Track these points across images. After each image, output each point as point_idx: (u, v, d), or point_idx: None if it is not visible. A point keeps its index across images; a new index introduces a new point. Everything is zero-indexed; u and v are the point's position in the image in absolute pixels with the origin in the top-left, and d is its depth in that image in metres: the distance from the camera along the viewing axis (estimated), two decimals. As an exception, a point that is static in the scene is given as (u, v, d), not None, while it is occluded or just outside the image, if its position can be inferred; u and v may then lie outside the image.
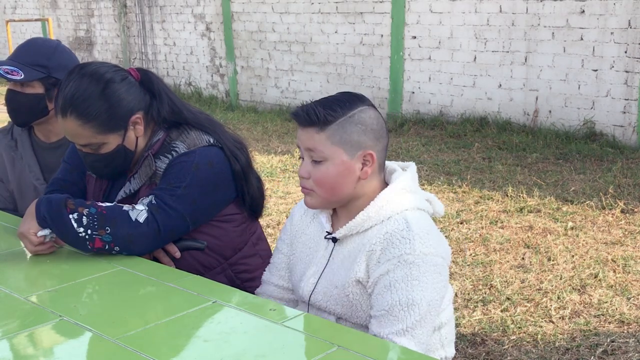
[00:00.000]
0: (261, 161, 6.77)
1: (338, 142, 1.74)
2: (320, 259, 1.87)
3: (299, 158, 1.83)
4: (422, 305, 1.68)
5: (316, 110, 1.74)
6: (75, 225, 1.91)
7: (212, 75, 10.94)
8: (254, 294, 1.90)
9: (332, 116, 1.74)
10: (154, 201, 1.98)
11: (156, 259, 2.03)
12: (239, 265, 2.19)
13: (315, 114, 1.74)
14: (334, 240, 1.83)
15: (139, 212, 1.95)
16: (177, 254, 2.05)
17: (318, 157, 1.76)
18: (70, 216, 1.91)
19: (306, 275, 1.88)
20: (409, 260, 1.68)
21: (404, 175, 1.83)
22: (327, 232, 1.86)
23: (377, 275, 1.72)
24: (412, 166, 1.88)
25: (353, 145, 1.75)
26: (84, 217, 1.91)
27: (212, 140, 2.09)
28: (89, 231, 1.91)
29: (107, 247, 1.93)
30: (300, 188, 1.86)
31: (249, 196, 2.17)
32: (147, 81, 2.11)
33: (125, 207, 1.97)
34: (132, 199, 2.08)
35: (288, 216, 2.07)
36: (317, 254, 1.88)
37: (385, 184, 1.85)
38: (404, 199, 1.78)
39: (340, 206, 1.85)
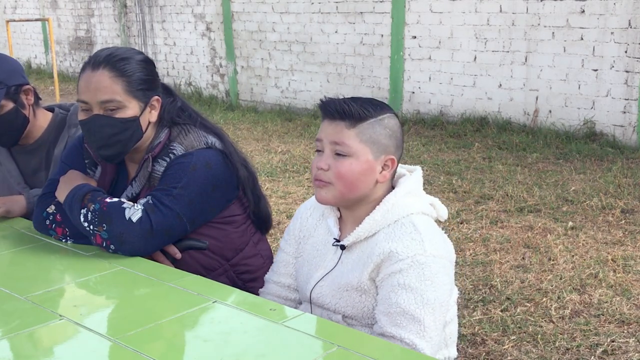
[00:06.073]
0: (261, 161, 6.77)
1: (366, 141, 1.75)
2: (328, 263, 1.87)
3: (316, 151, 1.81)
4: (435, 305, 1.69)
5: (350, 106, 1.74)
6: (82, 219, 1.99)
7: (212, 75, 10.94)
8: (256, 294, 1.89)
9: (365, 114, 1.75)
10: (150, 201, 1.99)
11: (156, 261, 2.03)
12: (241, 266, 2.19)
13: (350, 109, 1.74)
14: (342, 247, 1.84)
15: (135, 211, 1.96)
16: (178, 255, 2.05)
17: (344, 152, 1.75)
18: (81, 211, 1.99)
19: (314, 277, 1.88)
20: (421, 260, 1.69)
21: (409, 180, 1.84)
22: (335, 238, 1.86)
23: (388, 272, 1.72)
24: (417, 170, 1.89)
25: (379, 148, 1.76)
26: (89, 213, 1.97)
27: (209, 142, 2.09)
28: (91, 227, 1.97)
29: (104, 244, 1.96)
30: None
31: (252, 203, 2.18)
32: (167, 88, 2.22)
33: (126, 204, 1.98)
34: (135, 202, 2.08)
35: (292, 216, 2.07)
36: (325, 257, 1.88)
37: (393, 188, 1.85)
38: (409, 202, 1.79)
39: (347, 210, 1.86)
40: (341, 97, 1.80)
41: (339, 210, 1.90)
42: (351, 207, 1.83)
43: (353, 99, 1.78)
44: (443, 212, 1.87)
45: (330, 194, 1.78)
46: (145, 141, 2.11)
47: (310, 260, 1.92)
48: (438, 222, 1.86)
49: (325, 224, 1.92)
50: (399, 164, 1.86)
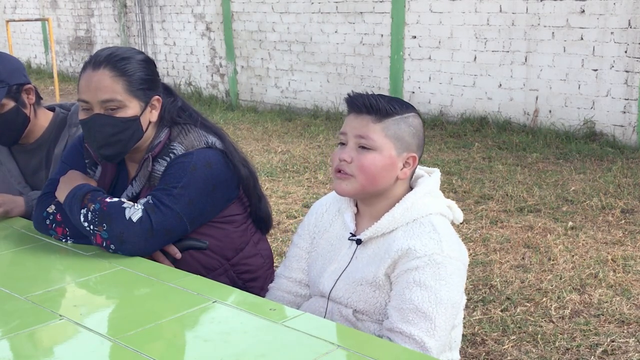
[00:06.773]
0: (261, 161, 6.76)
1: (391, 136, 1.78)
2: (343, 257, 1.89)
3: (338, 143, 1.84)
4: (447, 305, 1.71)
5: (378, 101, 1.78)
6: (82, 219, 1.98)
7: (212, 75, 10.94)
8: (256, 294, 1.90)
9: (391, 110, 1.78)
10: (150, 201, 1.99)
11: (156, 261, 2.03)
12: (241, 265, 2.19)
13: (377, 104, 1.77)
14: (358, 241, 1.85)
15: (135, 210, 1.96)
16: (178, 255, 2.05)
17: (368, 145, 1.78)
18: (81, 211, 1.99)
19: (327, 271, 1.90)
20: (438, 260, 1.72)
21: (429, 180, 1.87)
22: (351, 233, 1.88)
23: (404, 268, 1.73)
24: (436, 172, 1.92)
25: (403, 144, 1.79)
26: (89, 212, 1.97)
27: (210, 142, 2.09)
28: (91, 226, 1.97)
29: (104, 244, 1.96)
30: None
31: (252, 203, 2.18)
32: (168, 88, 2.22)
33: (126, 204, 1.98)
34: (135, 202, 2.08)
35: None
36: (339, 252, 1.90)
37: (410, 188, 1.88)
38: (429, 203, 1.82)
39: (364, 205, 1.88)
40: (371, 92, 1.83)
41: (356, 206, 1.92)
42: (369, 202, 1.86)
43: (380, 95, 1.81)
44: (459, 215, 1.91)
45: (351, 186, 1.80)
46: (146, 141, 2.11)
47: (324, 255, 1.94)
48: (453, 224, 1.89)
49: (342, 219, 1.94)
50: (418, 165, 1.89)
